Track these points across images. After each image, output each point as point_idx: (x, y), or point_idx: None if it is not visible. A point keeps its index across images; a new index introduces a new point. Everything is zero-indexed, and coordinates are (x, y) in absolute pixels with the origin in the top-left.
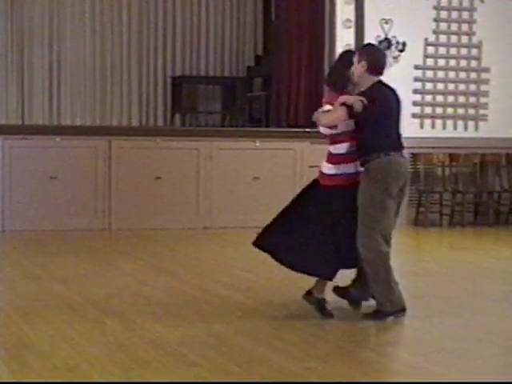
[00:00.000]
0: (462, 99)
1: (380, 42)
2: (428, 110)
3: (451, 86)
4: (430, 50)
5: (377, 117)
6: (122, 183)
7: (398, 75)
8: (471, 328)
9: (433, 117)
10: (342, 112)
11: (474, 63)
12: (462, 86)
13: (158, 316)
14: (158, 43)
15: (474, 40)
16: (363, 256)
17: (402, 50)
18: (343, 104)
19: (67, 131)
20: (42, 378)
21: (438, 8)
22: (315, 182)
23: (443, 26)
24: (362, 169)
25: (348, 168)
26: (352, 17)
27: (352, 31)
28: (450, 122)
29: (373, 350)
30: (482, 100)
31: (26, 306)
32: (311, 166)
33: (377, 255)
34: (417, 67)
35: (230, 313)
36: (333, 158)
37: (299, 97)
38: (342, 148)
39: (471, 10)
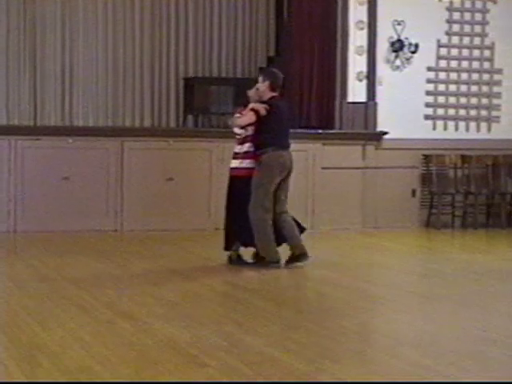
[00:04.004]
0: (474, 101)
1: (392, 43)
2: (440, 111)
3: (464, 88)
4: (443, 51)
5: (273, 121)
6: (134, 184)
7: (410, 77)
8: (484, 330)
9: (445, 118)
10: (252, 116)
11: (486, 65)
12: (474, 88)
13: (170, 317)
14: (171, 44)
15: (487, 41)
16: (251, 221)
17: (414, 52)
18: (252, 110)
19: (79, 132)
20: (53, 378)
21: (450, 9)
22: (230, 180)
23: (456, 27)
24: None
25: (250, 163)
26: (365, 18)
27: (365, 32)
28: (462, 124)
29: (384, 352)
30: (495, 101)
31: (38, 307)
32: (324, 168)
33: (260, 221)
34: (429, 69)
35: (241, 314)
36: (240, 155)
37: (311, 98)
38: (246, 147)
39: (484, 11)
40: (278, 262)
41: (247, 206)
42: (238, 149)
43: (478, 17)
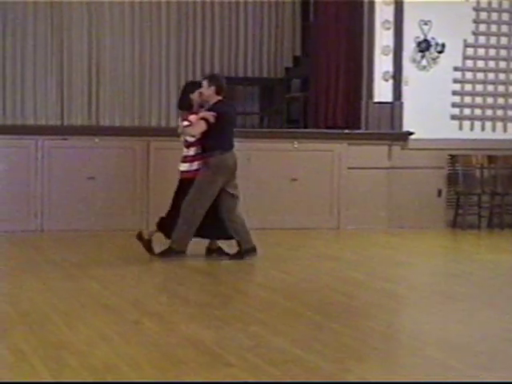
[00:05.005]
0: (501, 101)
1: (419, 43)
2: (467, 111)
3: (490, 88)
4: (469, 51)
5: (219, 126)
6: (160, 184)
7: (436, 77)
8: (509, 330)
9: (472, 118)
10: (203, 124)
11: None
12: (501, 88)
13: (195, 316)
14: (197, 44)
15: None
16: (182, 211)
17: (441, 52)
18: (202, 118)
19: (106, 132)
20: (80, 377)
21: (477, 9)
22: (180, 182)
23: (482, 27)
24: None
25: (199, 165)
26: (391, 18)
27: (391, 32)
28: (488, 124)
29: (409, 352)
30: None
31: (64, 306)
32: (349, 168)
33: (192, 215)
34: (456, 69)
35: (266, 314)
36: (189, 158)
37: (337, 98)
38: (193, 150)
39: (511, 11)
40: (184, 252)
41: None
42: (186, 152)
43: (505, 16)
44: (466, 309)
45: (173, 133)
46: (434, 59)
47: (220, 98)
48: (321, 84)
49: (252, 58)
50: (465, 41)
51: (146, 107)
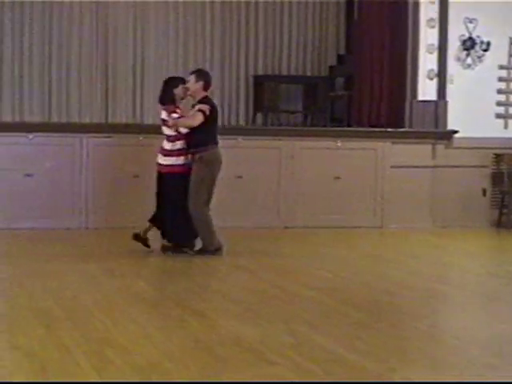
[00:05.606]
0: None
1: (464, 41)
2: None
3: None
4: None
5: (211, 120)
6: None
7: (481, 75)
8: None
9: None
10: (201, 116)
11: None
12: None
13: (237, 314)
14: (241, 42)
15: None
16: (196, 217)
17: (486, 50)
18: (200, 111)
19: (149, 130)
20: (123, 374)
21: None
22: (159, 177)
23: None
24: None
25: (184, 160)
26: (436, 16)
27: (436, 31)
28: None
29: (454, 352)
30: None
31: (109, 303)
32: (393, 166)
33: (204, 216)
34: (501, 67)
35: (310, 313)
36: (175, 152)
37: (381, 96)
38: (179, 144)
39: None
40: (220, 248)
41: (180, 201)
42: (171, 146)
43: None
44: (510, 309)
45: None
46: (479, 57)
47: (206, 94)
48: (365, 82)
49: (296, 57)
50: (510, 39)
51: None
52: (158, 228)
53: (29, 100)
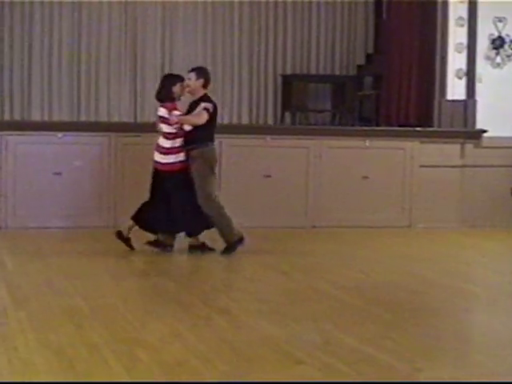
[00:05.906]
0: None
1: (493, 40)
2: None
3: None
4: None
5: (212, 118)
6: (231, 181)
7: (511, 74)
8: None
9: None
10: (206, 115)
11: None
12: None
13: (265, 313)
14: (269, 41)
15: None
16: (207, 212)
17: None
18: (205, 109)
19: None
20: (152, 373)
21: None
22: (156, 174)
23: None
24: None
25: (183, 157)
26: (465, 15)
27: (465, 30)
28: None
29: (481, 352)
30: None
31: (136, 302)
32: (422, 166)
33: (215, 210)
34: None
35: (338, 312)
36: (174, 150)
37: (410, 96)
38: (178, 142)
39: None
40: (242, 237)
41: (186, 194)
42: (170, 144)
43: None
44: None
45: (244, 130)
46: (508, 56)
47: (206, 91)
48: (393, 81)
49: (324, 56)
50: None
51: (218, 105)
52: (141, 227)
53: (58, 99)
